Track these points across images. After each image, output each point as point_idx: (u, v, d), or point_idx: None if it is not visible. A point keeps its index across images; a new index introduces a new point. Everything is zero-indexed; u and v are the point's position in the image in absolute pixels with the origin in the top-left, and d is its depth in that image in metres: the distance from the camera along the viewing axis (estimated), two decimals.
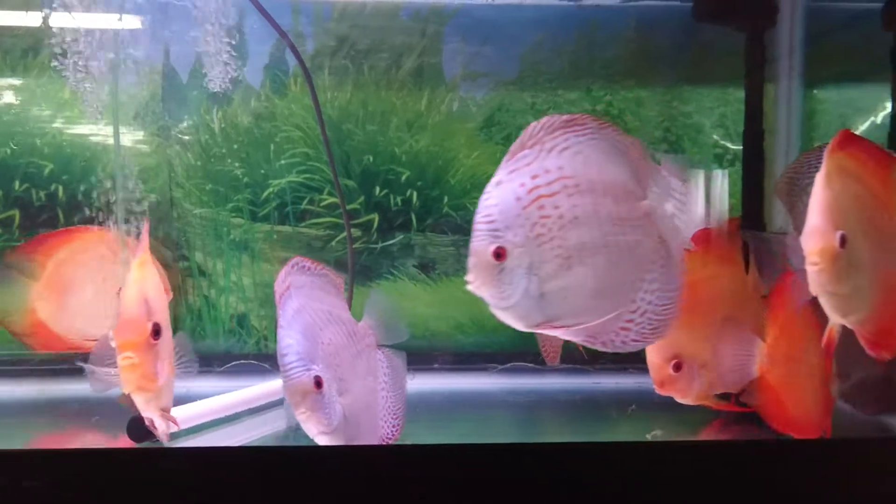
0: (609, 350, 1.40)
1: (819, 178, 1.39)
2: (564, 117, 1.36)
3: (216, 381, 2.28)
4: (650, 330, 1.41)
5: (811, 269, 1.36)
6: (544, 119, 1.35)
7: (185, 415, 1.75)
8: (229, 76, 2.44)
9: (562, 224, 1.32)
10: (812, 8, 2.38)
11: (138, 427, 1.62)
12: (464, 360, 2.46)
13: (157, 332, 1.50)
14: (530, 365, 2.40)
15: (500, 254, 1.29)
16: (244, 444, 1.80)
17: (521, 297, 1.32)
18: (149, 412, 1.53)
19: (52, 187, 2.40)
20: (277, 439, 1.87)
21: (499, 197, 1.31)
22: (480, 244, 1.30)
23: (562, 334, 1.39)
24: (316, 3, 2.47)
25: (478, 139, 2.52)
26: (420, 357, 2.43)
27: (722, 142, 2.52)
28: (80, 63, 2.28)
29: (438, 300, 2.48)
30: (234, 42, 2.42)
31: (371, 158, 2.49)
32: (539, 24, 2.49)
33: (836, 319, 1.45)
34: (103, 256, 2.09)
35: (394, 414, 1.60)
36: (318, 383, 1.40)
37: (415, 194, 2.49)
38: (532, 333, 2.49)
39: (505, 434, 1.97)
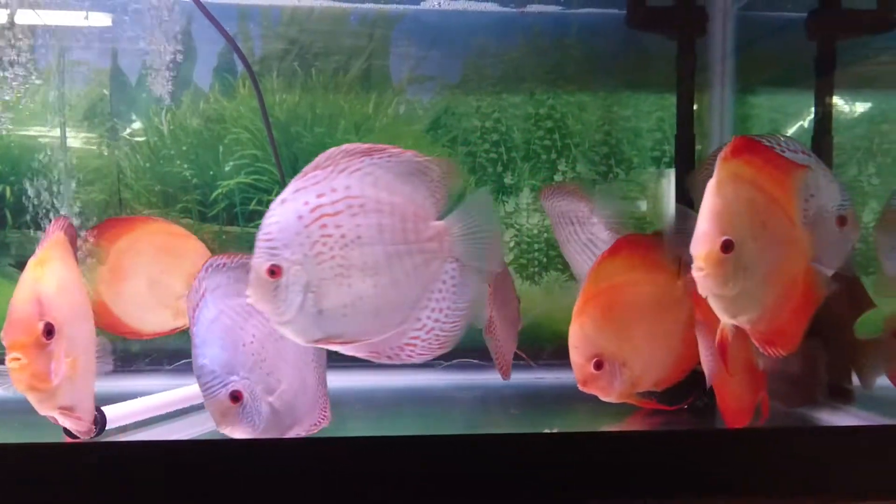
0: (396, 363, 1.43)
1: (710, 185, 1.43)
2: (367, 146, 1.40)
3: (166, 379, 2.29)
4: (437, 345, 1.44)
5: (696, 274, 1.41)
6: (346, 146, 1.38)
7: (123, 412, 1.75)
8: (178, 79, 2.46)
9: (344, 243, 1.35)
10: (742, 17, 2.47)
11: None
12: None
13: (49, 331, 1.47)
14: (475, 361, 2.44)
15: (274, 271, 1.32)
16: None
17: (296, 313, 1.35)
18: (45, 411, 1.52)
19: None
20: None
21: (281, 215, 1.34)
22: (257, 261, 1.34)
23: (345, 350, 1.42)
24: (264, 7, 2.50)
25: (424, 141, 2.57)
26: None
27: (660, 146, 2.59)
28: (26, 64, 2.28)
29: None
30: (182, 45, 2.45)
31: None
32: (484, 30, 2.54)
33: (725, 320, 1.50)
34: (163, 247, 2.09)
35: (321, 379, 1.61)
36: (236, 397, 1.41)
37: None
38: (478, 330, 2.55)
39: (447, 427, 2.01)
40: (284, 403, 1.49)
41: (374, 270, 1.36)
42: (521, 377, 2.35)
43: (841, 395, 1.95)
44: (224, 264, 1.51)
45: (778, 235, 1.46)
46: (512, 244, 2.60)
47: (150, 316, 2.07)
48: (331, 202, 1.35)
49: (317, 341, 1.39)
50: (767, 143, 1.59)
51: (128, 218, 2.20)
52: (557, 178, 2.61)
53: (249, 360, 1.45)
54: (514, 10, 2.55)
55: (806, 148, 1.66)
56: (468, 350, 2.45)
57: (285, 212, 1.35)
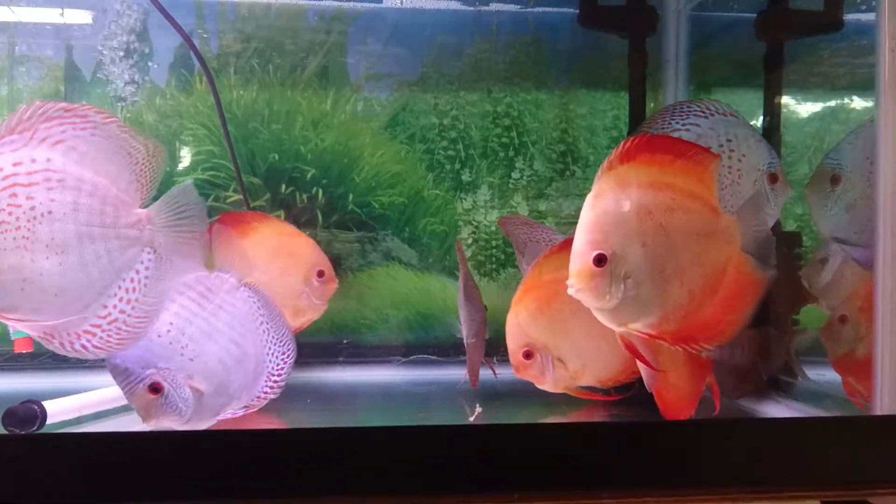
0: (69, 354, 1.39)
1: (586, 201, 1.45)
2: (62, 105, 1.34)
3: None
4: (116, 340, 1.40)
5: (570, 291, 1.43)
6: (38, 103, 1.33)
7: (63, 408, 1.72)
8: (133, 75, 2.45)
9: (32, 216, 1.31)
10: (694, 17, 2.50)
11: (12, 417, 1.61)
12: (368, 352, 2.51)
13: None
14: (433, 357, 2.47)
15: None
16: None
17: None
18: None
19: None
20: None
21: None
22: None
23: (20, 326, 1.38)
24: (221, 2, 2.49)
25: (382, 138, 2.56)
26: (325, 350, 2.48)
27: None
28: None
29: (343, 295, 2.52)
30: (138, 41, 2.43)
31: (276, 157, 2.52)
32: (441, 28, 2.55)
33: (615, 328, 1.51)
34: (279, 247, 2.11)
35: (280, 342, 1.59)
36: (155, 388, 1.40)
37: (320, 192, 2.52)
38: (436, 327, 2.54)
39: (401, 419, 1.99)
40: (214, 384, 1.46)
41: (61, 248, 1.31)
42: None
43: (782, 387, 1.98)
44: None
45: (690, 229, 1.45)
46: (470, 241, 2.62)
47: None
48: (27, 172, 1.30)
49: None
50: (697, 107, 1.60)
51: (239, 216, 2.16)
52: (515, 175, 2.62)
53: (167, 350, 1.44)
54: (472, 8, 2.56)
55: (733, 109, 1.70)
56: (428, 346, 2.49)
57: None
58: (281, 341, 1.62)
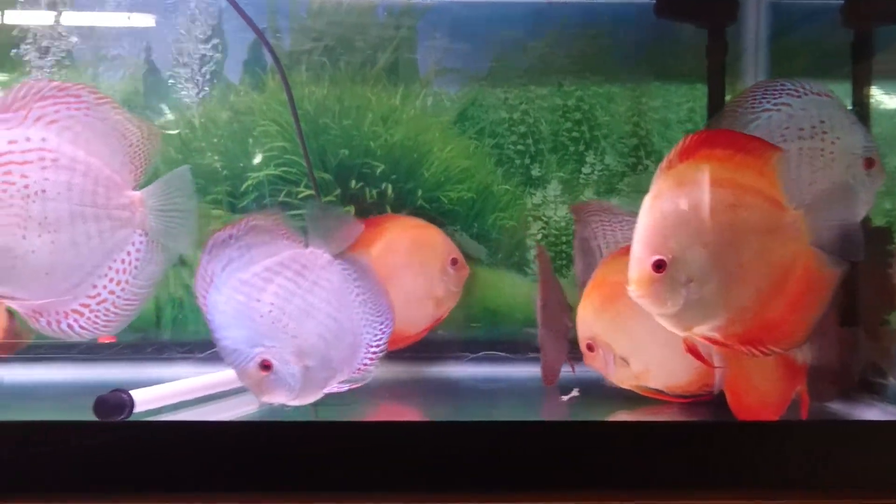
0: (56, 333, 1.39)
1: (644, 202, 1.41)
2: (55, 84, 1.34)
3: (197, 367, 2.25)
4: (104, 321, 1.41)
5: (633, 297, 1.40)
6: (32, 82, 1.33)
7: (151, 396, 1.76)
8: (209, 73, 2.49)
9: (26, 194, 1.31)
10: (774, 4, 2.41)
11: (105, 405, 1.64)
12: (436, 348, 2.49)
13: None
14: (501, 354, 2.44)
15: None
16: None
17: None
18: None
19: None
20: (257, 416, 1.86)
21: None
22: None
23: (10, 304, 1.37)
24: (293, 0, 2.51)
25: (451, 133, 2.55)
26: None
27: None
28: (61, 59, 2.33)
29: None
30: (213, 39, 2.46)
31: (347, 152, 2.52)
32: (511, 21, 2.53)
33: (679, 333, 1.46)
34: (415, 241, 2.14)
35: (377, 313, 1.60)
36: (265, 366, 1.44)
37: (390, 187, 2.52)
38: (504, 324, 2.52)
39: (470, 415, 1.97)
40: (317, 359, 1.49)
41: (54, 227, 1.33)
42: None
43: (874, 389, 1.90)
44: (230, 236, 1.49)
45: (753, 226, 1.40)
46: (539, 237, 2.58)
47: (416, 312, 2.11)
48: (21, 150, 1.30)
49: None
50: (790, 86, 1.54)
51: (378, 217, 2.23)
52: (585, 170, 2.58)
53: (271, 329, 1.46)
54: (543, 0, 2.52)
55: (828, 90, 1.63)
56: (495, 342, 2.46)
57: None
58: (378, 311, 1.62)
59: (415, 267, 2.11)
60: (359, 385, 1.62)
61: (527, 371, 2.31)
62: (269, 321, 1.47)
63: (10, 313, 1.67)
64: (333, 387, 1.57)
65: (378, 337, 1.62)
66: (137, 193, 1.44)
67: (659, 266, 1.36)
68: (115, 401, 1.65)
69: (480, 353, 2.44)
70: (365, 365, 1.62)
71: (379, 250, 2.07)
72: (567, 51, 2.54)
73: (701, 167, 1.39)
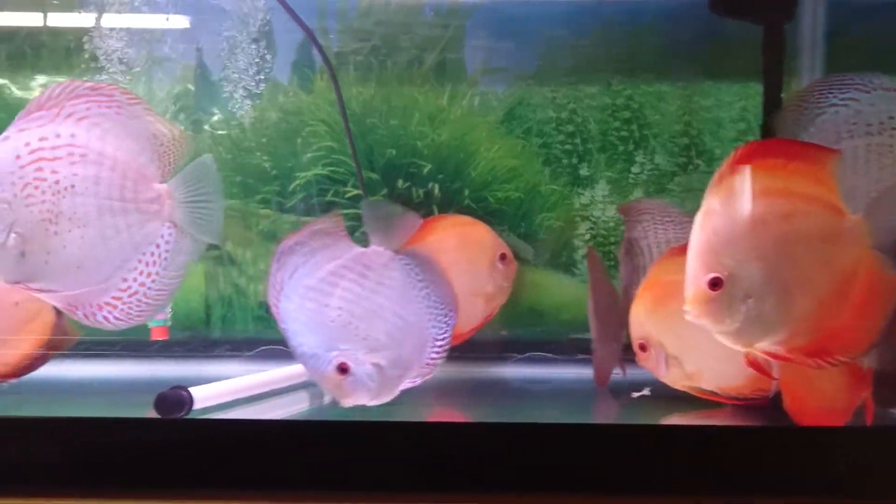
0: (92, 324, 1.41)
1: (697, 218, 1.36)
2: (89, 84, 1.36)
3: (245, 365, 2.32)
4: (137, 311, 1.43)
5: (689, 318, 1.36)
6: (67, 82, 1.35)
7: (209, 394, 1.77)
8: (258, 73, 2.50)
9: (57, 189, 1.34)
10: (833, 0, 2.35)
11: (166, 402, 1.65)
12: (481, 349, 2.48)
13: None
14: (548, 355, 2.42)
15: None
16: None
17: None
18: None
19: None
20: (308, 415, 1.88)
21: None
22: None
23: (43, 297, 1.40)
24: (342, 0, 2.52)
25: (498, 133, 2.53)
26: None
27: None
28: (115, 61, 2.37)
29: None
30: (262, 39, 2.48)
31: (394, 152, 2.52)
32: (558, 19, 2.50)
33: (740, 349, 1.42)
34: (462, 238, 2.12)
35: (441, 306, 1.58)
36: (343, 369, 1.44)
37: (436, 187, 2.52)
38: (551, 324, 2.50)
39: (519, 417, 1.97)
40: (389, 358, 1.49)
41: (83, 222, 1.35)
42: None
43: None
44: (296, 244, 1.50)
45: (812, 235, 1.36)
46: (587, 237, 2.55)
47: (466, 310, 2.01)
48: (51, 147, 1.33)
49: (15, 282, 1.37)
50: (858, 81, 1.50)
51: (432, 218, 2.21)
52: (635, 169, 2.54)
53: (343, 333, 1.47)
54: None
55: None
56: (543, 343, 2.44)
57: (4, 149, 1.33)
58: (442, 304, 1.61)
59: (463, 264, 2.08)
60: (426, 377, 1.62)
61: (573, 372, 2.29)
62: (339, 325, 1.47)
63: (58, 311, 1.72)
64: (407, 383, 1.58)
65: (443, 330, 1.61)
66: (164, 186, 1.46)
67: (715, 284, 1.33)
68: (175, 398, 1.66)
69: (527, 354, 2.42)
70: (433, 359, 1.61)
71: (426, 250, 2.07)
72: (616, 49, 2.51)
73: (753, 178, 1.34)
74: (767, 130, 2.14)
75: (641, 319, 1.84)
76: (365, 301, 1.52)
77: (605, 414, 1.99)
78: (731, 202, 1.34)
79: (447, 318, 1.61)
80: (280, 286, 1.49)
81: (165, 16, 2.45)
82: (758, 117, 2.44)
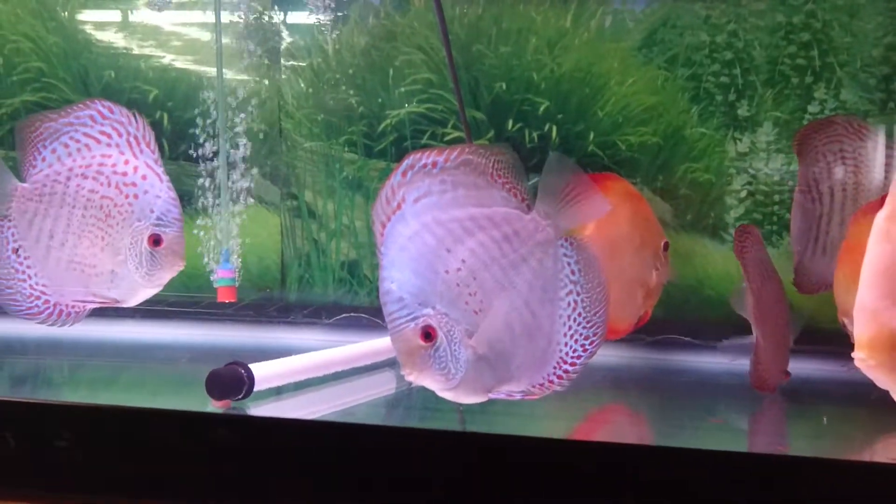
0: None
1: (873, 231, 1.18)
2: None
3: (324, 334, 2.31)
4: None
5: (861, 366, 1.18)
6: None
7: (271, 372, 1.63)
8: None
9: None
10: None
11: (220, 381, 1.51)
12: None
13: None
14: (685, 339, 2.16)
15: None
16: (336, 409, 1.74)
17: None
18: None
19: (157, 114, 2.45)
20: (388, 404, 1.80)
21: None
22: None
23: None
24: None
25: (635, 62, 2.28)
26: None
27: None
28: None
29: None
30: None
31: (503, 86, 2.35)
32: None
33: None
34: (635, 212, 1.89)
35: (587, 323, 1.38)
36: (428, 334, 1.24)
37: (554, 129, 2.33)
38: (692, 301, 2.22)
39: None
40: (495, 352, 1.30)
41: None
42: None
43: None
44: (434, 164, 1.31)
45: None
46: (744, 194, 2.21)
47: (626, 303, 1.88)
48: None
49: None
50: None
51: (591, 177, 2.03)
52: (812, 108, 2.16)
53: (452, 291, 1.28)
54: None
55: None
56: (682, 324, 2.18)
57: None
58: (588, 321, 1.38)
59: (633, 246, 1.84)
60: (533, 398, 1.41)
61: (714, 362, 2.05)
62: (453, 280, 1.27)
63: None
64: (502, 393, 1.37)
65: (578, 353, 1.37)
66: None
67: None
68: (231, 377, 1.49)
69: (658, 337, 2.17)
70: (550, 381, 1.38)
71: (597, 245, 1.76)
72: None
73: None
74: None
75: (842, 293, 1.58)
76: (497, 271, 1.31)
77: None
78: None
79: (588, 343, 1.37)
80: (398, 202, 1.29)
81: None
82: None
